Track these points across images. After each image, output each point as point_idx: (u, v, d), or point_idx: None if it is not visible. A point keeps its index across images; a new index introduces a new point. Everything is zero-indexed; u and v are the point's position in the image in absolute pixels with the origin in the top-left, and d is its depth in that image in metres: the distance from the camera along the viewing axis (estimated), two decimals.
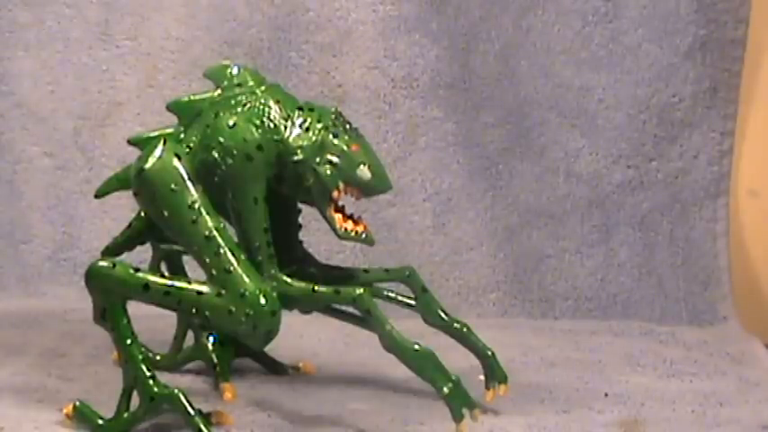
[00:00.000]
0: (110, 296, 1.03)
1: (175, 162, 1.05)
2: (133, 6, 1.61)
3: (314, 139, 1.07)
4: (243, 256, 1.03)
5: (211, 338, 1.21)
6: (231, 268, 1.02)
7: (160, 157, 1.05)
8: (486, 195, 1.60)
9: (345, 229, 1.07)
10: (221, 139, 1.06)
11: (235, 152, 1.05)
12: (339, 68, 1.59)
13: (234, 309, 1.01)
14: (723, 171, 1.61)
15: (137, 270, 1.03)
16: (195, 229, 1.03)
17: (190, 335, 1.23)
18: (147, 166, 1.05)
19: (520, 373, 1.25)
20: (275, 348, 1.16)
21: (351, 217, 1.08)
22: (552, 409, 1.16)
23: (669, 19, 1.58)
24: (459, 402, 1.02)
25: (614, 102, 1.60)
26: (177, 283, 1.03)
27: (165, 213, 1.04)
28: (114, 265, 1.03)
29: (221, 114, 1.07)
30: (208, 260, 1.03)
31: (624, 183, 1.60)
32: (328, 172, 1.06)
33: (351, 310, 1.06)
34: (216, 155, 1.06)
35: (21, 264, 1.61)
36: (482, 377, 1.14)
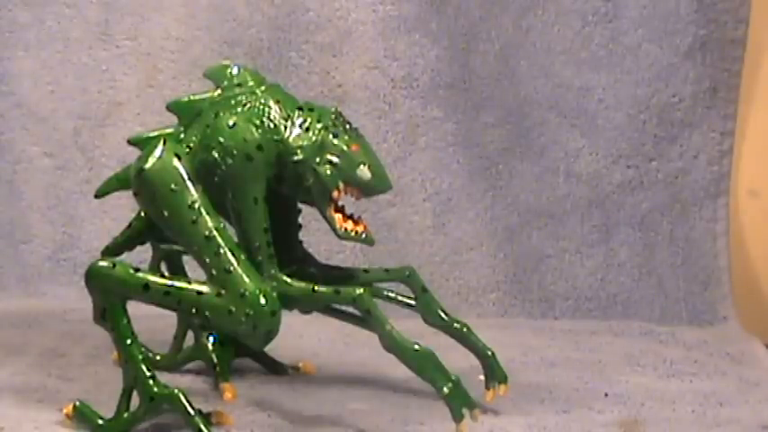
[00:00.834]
0: (110, 296, 1.03)
1: (175, 162, 1.05)
2: (133, 6, 1.61)
3: (314, 139, 1.07)
4: (243, 256, 1.03)
5: (211, 338, 1.21)
6: (231, 268, 1.02)
7: (160, 157, 1.05)
8: (486, 195, 1.60)
9: (345, 229, 1.07)
10: (221, 139, 1.06)
11: (235, 152, 1.05)
12: (339, 68, 1.59)
13: (234, 309, 1.01)
14: (723, 171, 1.61)
15: (137, 270, 1.03)
16: (195, 229, 1.03)
17: (190, 335, 1.23)
18: (147, 166, 1.05)
19: (520, 373, 1.25)
20: (275, 348, 1.16)
21: (351, 217, 1.08)
22: (552, 409, 1.16)
23: (669, 19, 1.58)
24: (459, 402, 1.02)
25: (614, 102, 1.60)
26: (177, 283, 1.03)
27: (165, 213, 1.04)
28: (114, 265, 1.03)
29: (221, 114, 1.07)
30: (208, 260, 1.03)
31: (624, 183, 1.60)
32: (328, 172, 1.06)
33: (351, 310, 1.06)
34: (216, 155, 1.06)
35: (21, 264, 1.61)
36: (482, 377, 1.14)
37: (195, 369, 1.24)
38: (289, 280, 1.06)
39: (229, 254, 1.02)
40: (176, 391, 1.03)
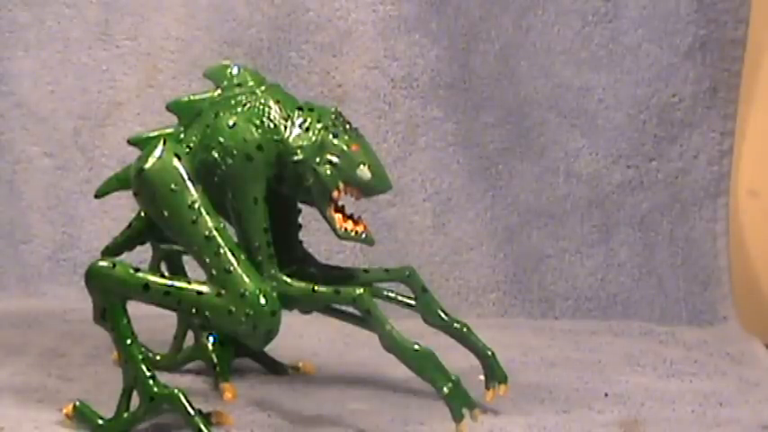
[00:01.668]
0: (110, 296, 1.03)
1: (175, 162, 1.05)
2: (133, 6, 1.61)
3: (314, 139, 1.07)
4: (243, 256, 1.03)
5: (211, 338, 1.21)
6: (231, 268, 1.02)
7: (160, 157, 1.05)
8: (486, 195, 1.60)
9: (345, 229, 1.07)
10: (221, 139, 1.06)
11: (235, 152, 1.05)
12: (339, 68, 1.59)
13: (234, 309, 1.01)
14: (723, 171, 1.61)
15: (137, 270, 1.03)
16: (195, 229, 1.03)
17: (190, 335, 1.24)
18: (147, 166, 1.05)
19: (520, 373, 1.25)
20: (275, 348, 1.16)
21: (351, 217, 1.08)
22: (552, 409, 1.16)
23: (669, 19, 1.58)
24: (459, 402, 1.02)
25: (614, 102, 1.60)
26: (177, 283, 1.03)
27: (165, 213, 1.04)
28: (114, 265, 1.03)
29: (221, 114, 1.07)
30: (208, 260, 1.03)
31: (624, 183, 1.60)
32: (328, 172, 1.06)
33: (351, 310, 1.06)
34: (216, 155, 1.06)
35: (21, 264, 1.61)
36: (482, 377, 1.14)
37: (195, 369, 1.24)
38: (289, 280, 1.06)
39: (229, 254, 1.02)
40: (176, 391, 1.03)
